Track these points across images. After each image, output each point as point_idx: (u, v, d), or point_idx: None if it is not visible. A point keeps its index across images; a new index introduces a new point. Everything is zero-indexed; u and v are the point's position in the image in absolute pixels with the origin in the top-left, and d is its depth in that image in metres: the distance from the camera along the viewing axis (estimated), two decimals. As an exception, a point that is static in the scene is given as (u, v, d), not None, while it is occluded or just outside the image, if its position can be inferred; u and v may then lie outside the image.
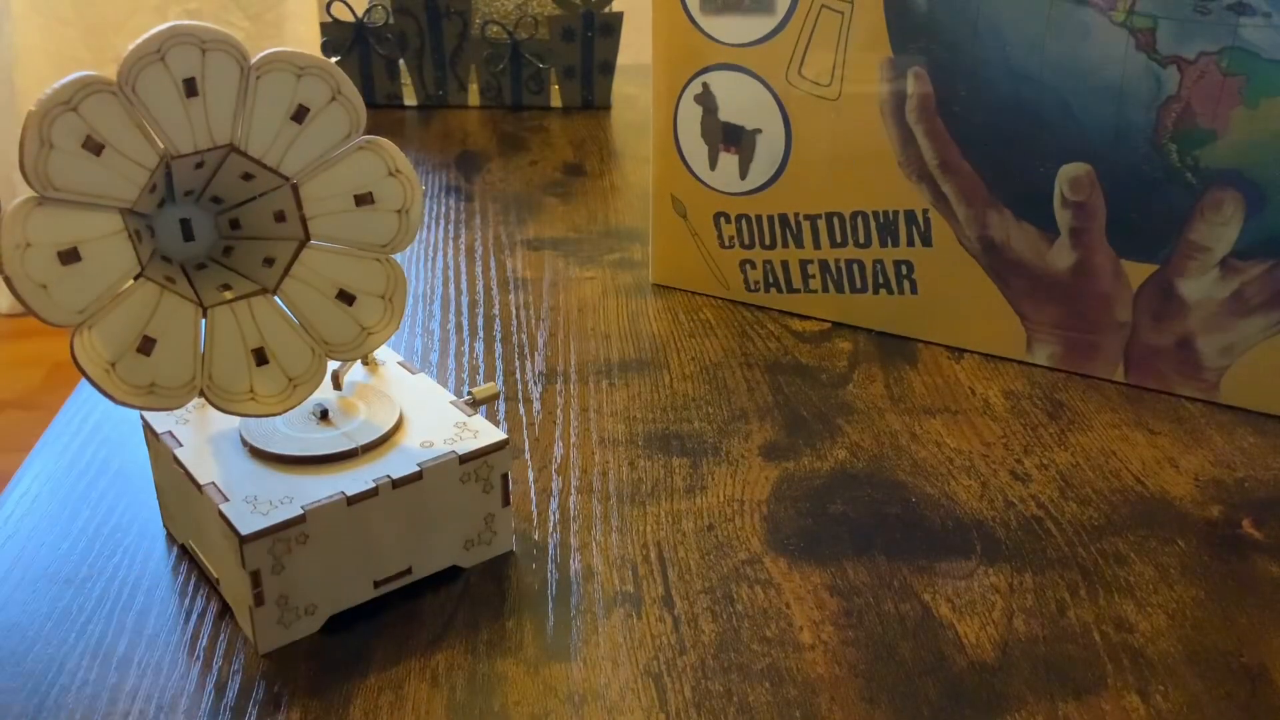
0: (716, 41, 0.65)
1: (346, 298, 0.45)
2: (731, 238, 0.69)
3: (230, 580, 0.45)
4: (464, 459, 0.46)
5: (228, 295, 0.44)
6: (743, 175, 0.67)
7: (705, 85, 0.66)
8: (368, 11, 1.06)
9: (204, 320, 0.43)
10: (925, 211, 0.63)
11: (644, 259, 0.79)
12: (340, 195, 0.44)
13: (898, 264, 0.65)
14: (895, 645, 0.45)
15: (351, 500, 0.44)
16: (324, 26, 1.07)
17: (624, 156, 0.99)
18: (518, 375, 0.64)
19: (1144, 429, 0.59)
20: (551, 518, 0.52)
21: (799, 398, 0.62)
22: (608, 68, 1.08)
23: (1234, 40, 0.53)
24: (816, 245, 0.67)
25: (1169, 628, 0.46)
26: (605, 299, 0.73)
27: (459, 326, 0.69)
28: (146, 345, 0.41)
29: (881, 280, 0.66)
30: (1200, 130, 0.56)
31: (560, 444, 0.58)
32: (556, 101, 1.10)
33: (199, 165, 0.42)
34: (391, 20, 1.06)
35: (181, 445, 0.47)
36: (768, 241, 0.68)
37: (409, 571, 0.47)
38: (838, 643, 0.45)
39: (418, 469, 0.45)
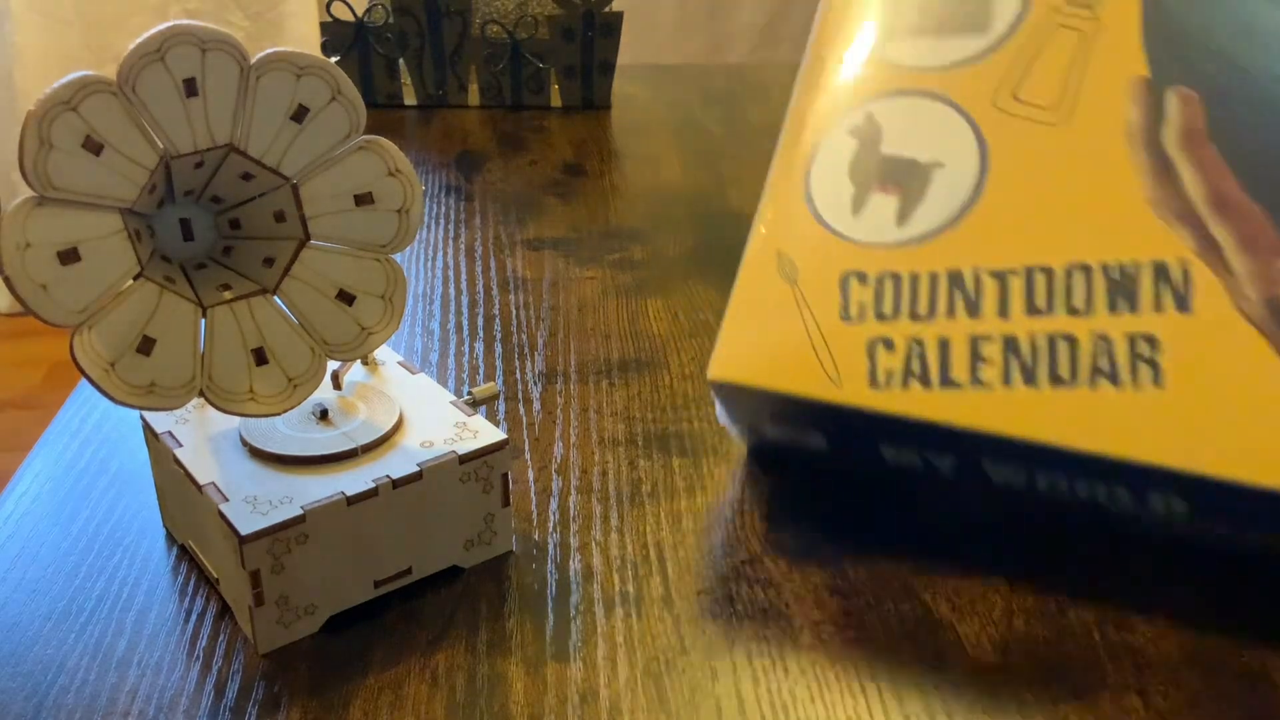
0: (897, 65, 0.52)
1: (346, 298, 0.45)
2: (863, 307, 0.48)
3: (230, 580, 0.45)
4: (464, 459, 0.46)
5: (227, 295, 0.44)
6: (901, 220, 0.49)
7: (870, 115, 0.51)
8: (368, 11, 1.06)
9: (204, 320, 0.43)
10: (1184, 263, 0.44)
11: (644, 259, 0.79)
12: (340, 195, 0.44)
13: (1133, 340, 0.44)
14: (895, 645, 0.45)
15: (351, 500, 0.44)
16: (324, 26, 1.07)
17: (624, 156, 0.99)
18: (518, 375, 0.64)
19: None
20: (551, 518, 0.52)
21: (799, 398, 0.62)
22: (608, 67, 1.08)
23: None
24: (1002, 313, 0.45)
25: (1169, 628, 0.46)
26: (605, 299, 0.73)
27: (459, 326, 0.69)
28: (146, 345, 0.41)
29: (1104, 366, 0.44)
30: None
31: (560, 444, 0.58)
32: (556, 101, 1.10)
33: (199, 165, 0.42)
34: (391, 20, 1.06)
35: (181, 445, 0.47)
36: (922, 309, 0.47)
37: (409, 571, 0.47)
38: (838, 643, 0.45)
39: (418, 469, 0.45)
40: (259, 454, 0.46)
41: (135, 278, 0.41)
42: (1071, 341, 0.44)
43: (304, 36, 1.85)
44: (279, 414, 0.44)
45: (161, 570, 0.49)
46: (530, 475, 0.55)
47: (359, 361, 0.52)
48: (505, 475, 0.48)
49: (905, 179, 0.49)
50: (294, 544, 0.43)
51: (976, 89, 0.50)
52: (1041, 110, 0.49)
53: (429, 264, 0.78)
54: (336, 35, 1.06)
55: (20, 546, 0.50)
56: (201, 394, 0.43)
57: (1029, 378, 0.44)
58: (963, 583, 0.48)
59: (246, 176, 0.44)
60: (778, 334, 0.49)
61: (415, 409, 0.49)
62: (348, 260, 0.45)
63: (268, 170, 0.43)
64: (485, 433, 0.48)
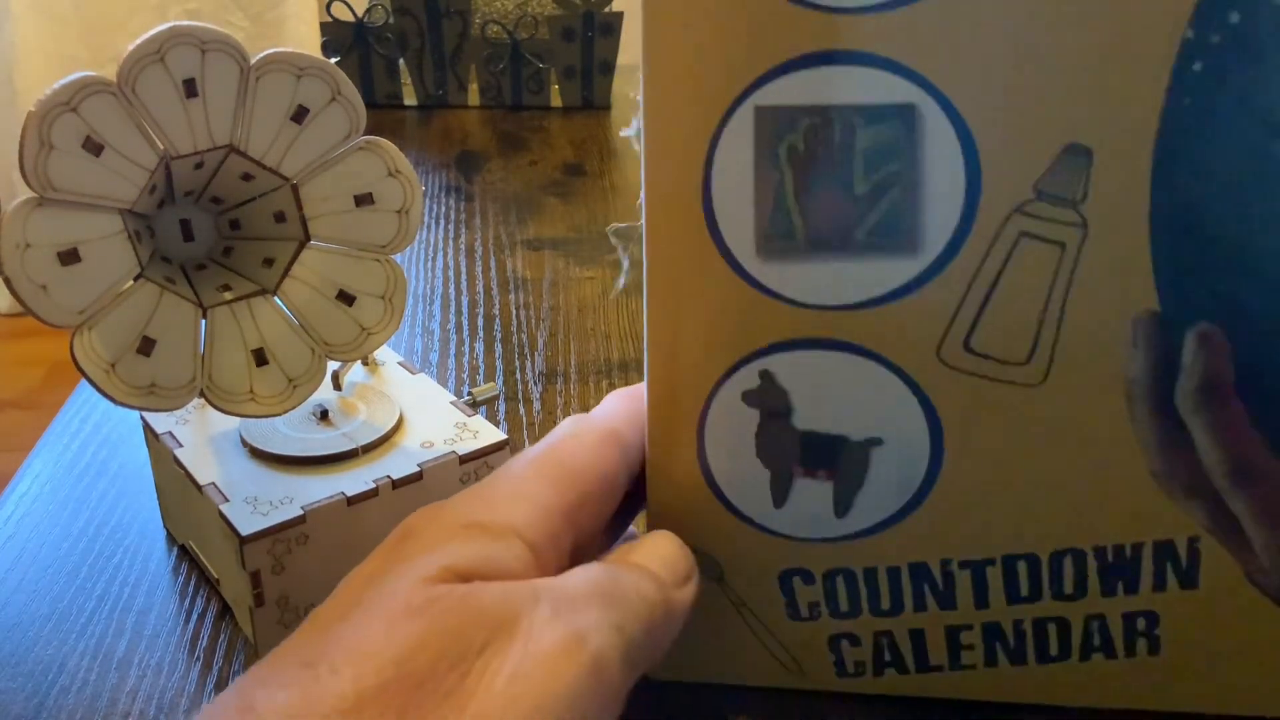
0: (790, 303, 0.35)
1: (346, 298, 0.45)
2: (814, 605, 0.40)
3: (230, 580, 0.45)
4: (464, 459, 0.46)
5: (227, 296, 0.44)
6: (841, 511, 0.38)
7: (766, 375, 0.36)
8: (368, 11, 1.06)
9: (204, 321, 0.43)
10: (1193, 541, 0.37)
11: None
12: (340, 196, 0.44)
13: (1130, 618, 0.39)
14: (895, 645, 0.45)
15: (352, 500, 0.44)
16: (324, 26, 1.07)
17: (624, 156, 0.99)
18: (518, 375, 0.64)
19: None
20: (551, 518, 0.52)
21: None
22: (608, 68, 1.08)
23: None
24: (980, 604, 0.39)
25: (1169, 628, 0.46)
26: (605, 299, 0.73)
27: (459, 327, 0.69)
28: (146, 346, 0.41)
29: (1097, 643, 0.39)
30: None
31: (560, 444, 0.58)
32: (556, 101, 1.10)
33: (199, 166, 0.42)
34: (391, 20, 1.06)
35: (181, 446, 0.47)
36: (885, 606, 0.39)
37: (409, 572, 0.47)
38: (838, 643, 0.45)
39: (418, 469, 0.45)
40: (259, 454, 0.46)
41: (135, 278, 0.41)
42: (1062, 624, 0.39)
43: (304, 37, 1.85)
44: (279, 414, 0.44)
45: (162, 571, 0.49)
46: (530, 475, 0.55)
47: (359, 362, 0.52)
48: (505, 475, 0.48)
49: (836, 461, 0.37)
50: (294, 544, 0.43)
51: (910, 337, 0.35)
52: (1008, 367, 0.35)
53: (429, 264, 0.78)
54: (336, 36, 1.06)
55: (20, 547, 0.50)
56: (202, 394, 0.43)
57: (1015, 658, 0.40)
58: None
59: (246, 177, 0.44)
60: (714, 631, 0.41)
61: (415, 409, 0.49)
62: (348, 261, 0.45)
63: (268, 171, 0.43)
64: (485, 433, 0.48)
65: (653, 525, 0.39)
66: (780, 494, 0.38)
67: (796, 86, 0.33)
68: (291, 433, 0.47)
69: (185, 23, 0.40)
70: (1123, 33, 0.30)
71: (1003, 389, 0.35)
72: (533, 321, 0.70)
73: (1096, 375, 0.35)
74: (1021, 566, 0.38)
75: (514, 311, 0.71)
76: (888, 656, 0.41)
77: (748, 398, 0.37)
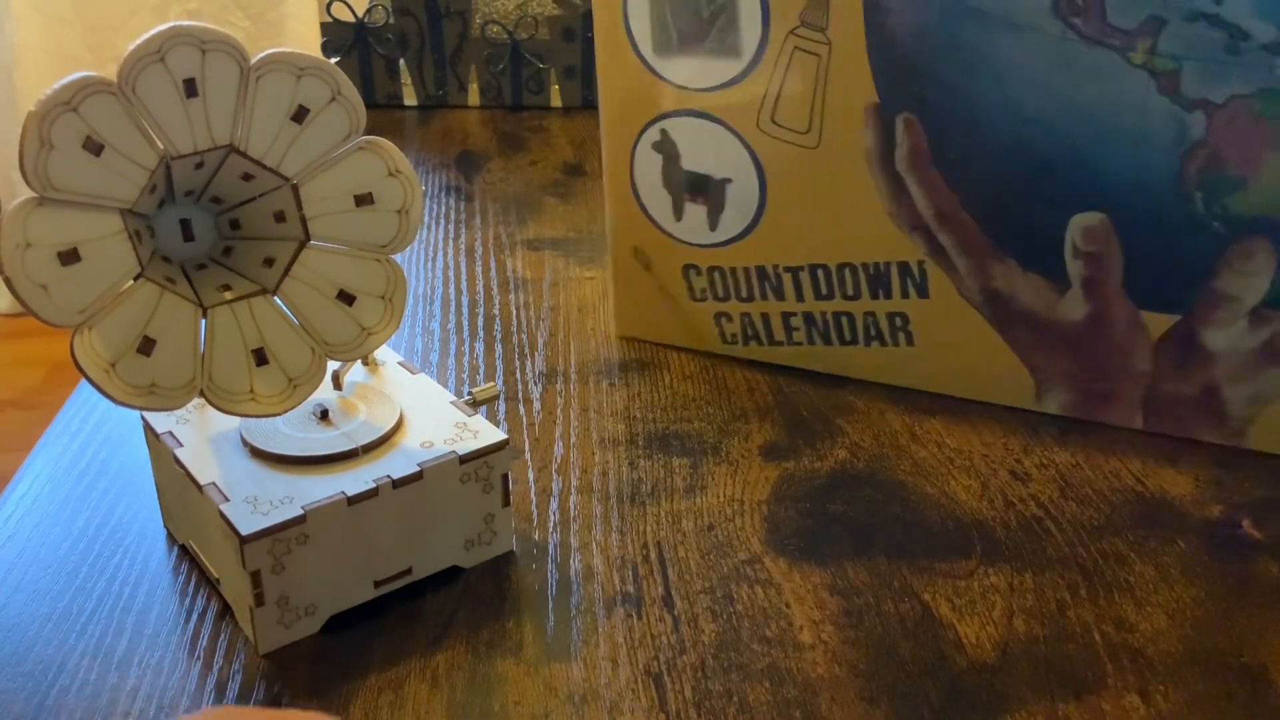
0: (674, 85, 0.59)
1: (346, 298, 0.45)
2: (704, 290, 0.64)
3: (230, 580, 0.45)
4: (464, 459, 0.47)
5: (228, 295, 0.44)
6: (713, 226, 0.62)
7: (664, 132, 0.61)
8: (368, 11, 1.06)
9: (204, 321, 0.43)
10: (921, 264, 0.58)
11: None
12: (340, 195, 0.44)
13: (891, 316, 0.60)
14: (895, 645, 0.45)
15: (352, 500, 0.44)
16: (324, 27, 1.07)
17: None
18: (518, 375, 0.64)
19: (1144, 429, 0.59)
20: (552, 518, 0.52)
21: (799, 398, 0.62)
22: (608, 68, 1.08)
23: (1270, 82, 0.49)
24: (799, 298, 0.61)
25: (1169, 628, 0.46)
26: (605, 299, 0.73)
27: (459, 326, 0.69)
28: (146, 346, 0.41)
29: (874, 332, 0.61)
30: (1229, 177, 0.51)
31: (560, 444, 0.58)
32: (556, 101, 1.10)
33: (199, 166, 0.42)
34: (391, 20, 1.06)
35: (182, 445, 0.47)
36: (744, 294, 0.62)
37: (409, 572, 0.47)
38: (838, 642, 0.45)
39: (418, 469, 0.45)
40: (259, 454, 0.46)
41: (135, 278, 0.41)
42: (850, 317, 0.61)
43: (304, 37, 1.85)
44: (279, 414, 0.44)
45: (162, 570, 0.49)
46: (530, 475, 0.55)
47: (359, 362, 0.52)
48: (505, 475, 0.48)
49: (708, 192, 0.61)
50: (294, 544, 0.43)
51: (741, 110, 0.58)
52: (797, 134, 0.57)
53: (429, 264, 0.78)
54: (337, 36, 1.06)
55: (20, 547, 0.50)
56: (202, 394, 0.43)
57: (826, 339, 0.62)
58: (963, 583, 0.48)
59: (247, 177, 0.44)
60: (652, 308, 0.66)
61: (415, 409, 0.49)
62: (348, 261, 0.45)
63: (268, 170, 0.43)
64: (485, 433, 0.48)
65: (612, 217, 0.64)
66: (678, 211, 0.62)
67: None
68: (292, 432, 0.47)
69: (186, 23, 0.40)
70: None
71: (798, 150, 0.58)
72: (533, 321, 0.70)
73: (848, 144, 0.57)
74: (820, 273, 0.61)
75: (514, 311, 0.71)
76: (749, 331, 0.64)
77: (654, 146, 0.61)
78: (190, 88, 0.41)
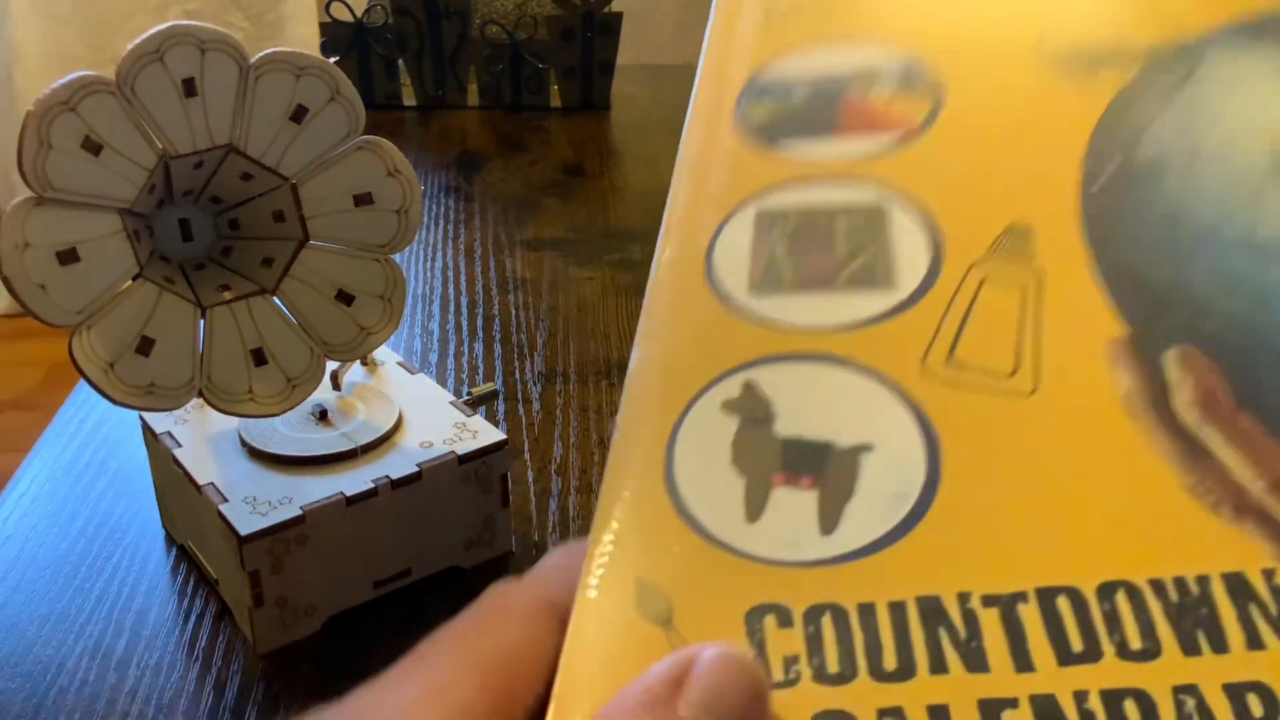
0: (777, 327, 0.37)
1: (345, 298, 0.45)
2: (792, 662, 0.28)
3: (229, 581, 0.45)
4: (463, 459, 0.46)
5: (226, 295, 0.44)
6: (828, 526, 0.33)
7: (749, 385, 0.36)
8: (367, 12, 1.06)
9: (203, 321, 0.43)
10: (1269, 575, 0.31)
11: (643, 259, 0.78)
12: (339, 195, 0.44)
13: (1235, 694, 0.28)
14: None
15: (351, 501, 0.44)
16: (323, 27, 1.07)
17: (623, 157, 0.99)
18: (517, 375, 0.64)
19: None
20: (551, 518, 0.52)
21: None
22: (607, 68, 1.08)
23: None
24: (1023, 665, 0.29)
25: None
26: (605, 299, 0.73)
27: (458, 327, 0.69)
28: (145, 346, 0.41)
29: None
30: None
31: (560, 444, 0.58)
32: (556, 102, 1.10)
33: (198, 165, 0.42)
34: (391, 20, 1.05)
35: (180, 446, 0.46)
36: (890, 664, 0.29)
37: (409, 572, 0.47)
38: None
39: (417, 469, 0.45)
40: (258, 454, 0.46)
41: (134, 278, 0.41)
42: (1144, 702, 0.29)
43: (304, 37, 1.85)
44: (278, 414, 0.44)
45: (161, 571, 0.49)
46: (530, 476, 0.55)
47: (358, 362, 0.52)
48: (505, 476, 0.48)
49: (821, 466, 0.34)
50: (293, 544, 0.43)
51: (893, 352, 0.36)
52: (994, 378, 0.35)
53: (429, 264, 0.78)
54: (336, 36, 1.06)
55: (19, 547, 0.50)
56: (200, 394, 0.43)
57: None
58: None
59: (246, 177, 0.44)
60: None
61: (414, 409, 0.49)
62: (347, 260, 0.45)
63: (267, 170, 0.43)
64: (485, 433, 0.48)
65: (593, 548, 0.33)
66: (755, 505, 0.33)
67: (789, 196, 0.39)
68: (291, 433, 0.47)
69: (185, 22, 0.40)
70: (1038, 170, 0.38)
71: (995, 398, 0.34)
72: (532, 322, 0.70)
73: (1088, 387, 0.34)
74: (1064, 603, 0.31)
75: (513, 312, 0.71)
76: None
77: (727, 406, 0.35)
78: (189, 87, 0.41)
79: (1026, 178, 0.39)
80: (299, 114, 0.43)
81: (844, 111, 0.42)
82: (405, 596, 0.47)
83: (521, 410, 0.61)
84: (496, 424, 0.59)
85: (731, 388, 0.35)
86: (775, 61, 0.44)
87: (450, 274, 0.76)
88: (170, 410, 0.42)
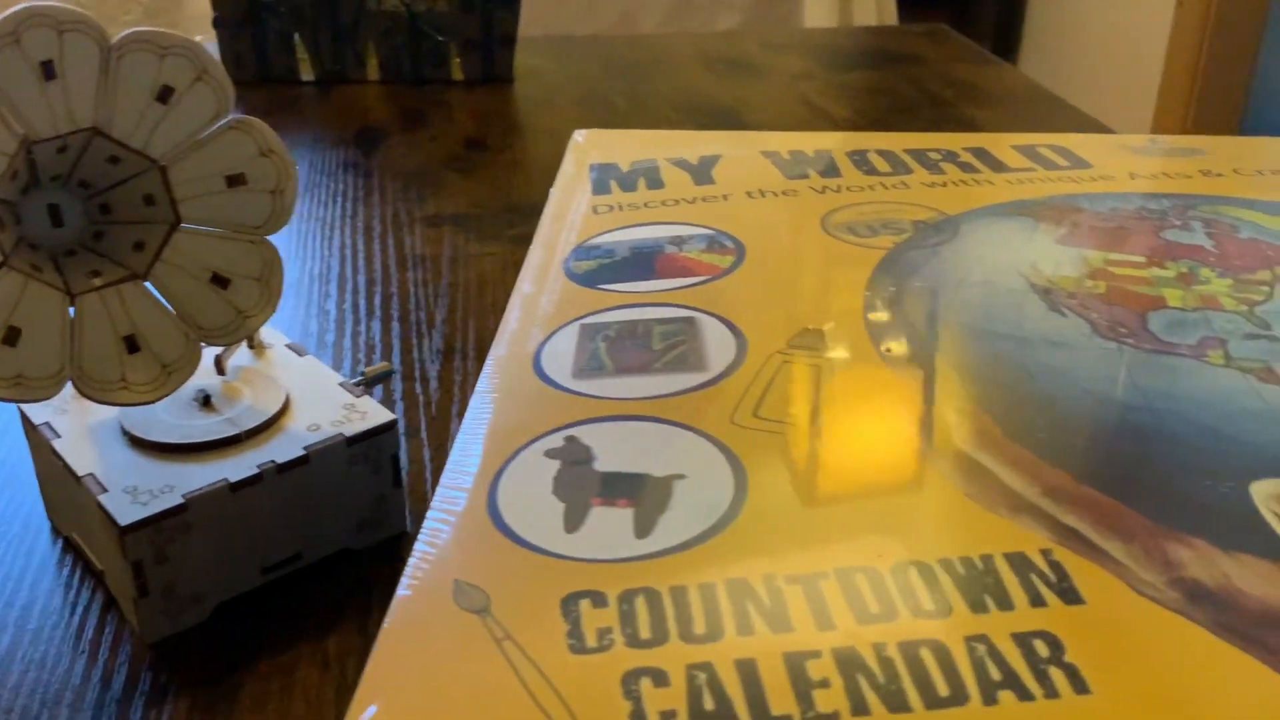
0: (599, 399, 0.43)
1: (220, 281, 0.44)
2: (606, 633, 0.32)
3: (114, 572, 0.44)
4: (351, 441, 0.46)
5: (96, 282, 0.43)
6: (642, 533, 0.36)
7: (571, 438, 0.40)
8: (261, -15, 1.04)
9: (73, 309, 0.42)
10: (1048, 553, 0.34)
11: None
12: (210, 177, 0.43)
13: (1024, 641, 0.31)
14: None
15: (235, 487, 0.43)
16: (216, 1, 1.04)
17: (527, 130, 0.98)
18: (415, 354, 0.64)
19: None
20: (446, 496, 0.52)
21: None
22: (509, 40, 1.07)
23: None
24: (823, 624, 0.32)
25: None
26: (505, 275, 0.72)
27: (355, 306, 0.69)
28: (11, 336, 0.40)
29: (999, 677, 0.30)
30: None
31: (457, 422, 0.58)
32: (458, 75, 1.09)
33: (62, 149, 0.41)
34: (286, -6, 1.04)
35: (60, 436, 0.46)
36: (700, 629, 0.32)
37: (299, 557, 0.47)
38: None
39: (304, 453, 0.45)
40: (139, 443, 0.45)
41: (-3, 267, 0.40)
42: (941, 652, 0.31)
43: (201, 12, 1.81)
44: (153, 402, 0.43)
45: (47, 564, 0.48)
46: (426, 455, 0.55)
47: (245, 345, 0.51)
48: (395, 456, 0.48)
49: (637, 491, 0.37)
50: (176, 533, 0.42)
51: (704, 412, 0.41)
52: (794, 425, 0.40)
53: (325, 243, 0.76)
54: (229, 10, 1.04)
55: (-104, 545, 0.49)
56: (72, 384, 0.42)
57: (893, 702, 0.29)
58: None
59: (113, 160, 0.43)
60: (469, 680, 0.31)
61: (302, 392, 0.49)
62: (221, 243, 0.44)
63: (134, 153, 0.42)
64: (374, 414, 0.47)
65: (412, 558, 0.36)
66: (574, 521, 0.36)
67: (611, 315, 0.49)
68: (173, 420, 0.46)
69: (41, 3, 0.39)
70: (826, 295, 0.49)
71: (796, 437, 0.40)
72: (431, 299, 0.69)
73: (873, 431, 0.41)
74: (862, 579, 0.33)
75: (412, 289, 0.71)
76: (709, 703, 0.29)
77: (550, 453, 0.40)
78: (48, 70, 0.40)
79: (817, 300, 0.49)
80: (164, 94, 0.42)
81: (660, 263, 0.53)
82: (297, 581, 0.47)
83: (419, 389, 0.60)
84: (393, 403, 0.59)
85: (555, 440, 0.41)
86: (600, 236, 0.56)
87: (348, 253, 0.75)
88: (40, 401, 0.42)
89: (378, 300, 0.69)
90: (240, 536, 0.45)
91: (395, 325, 0.66)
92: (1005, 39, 3.49)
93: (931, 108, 1.04)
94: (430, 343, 0.65)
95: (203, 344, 0.44)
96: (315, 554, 0.47)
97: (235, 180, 0.44)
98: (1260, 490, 0.38)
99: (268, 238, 0.44)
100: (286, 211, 0.44)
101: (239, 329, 0.44)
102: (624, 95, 1.06)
